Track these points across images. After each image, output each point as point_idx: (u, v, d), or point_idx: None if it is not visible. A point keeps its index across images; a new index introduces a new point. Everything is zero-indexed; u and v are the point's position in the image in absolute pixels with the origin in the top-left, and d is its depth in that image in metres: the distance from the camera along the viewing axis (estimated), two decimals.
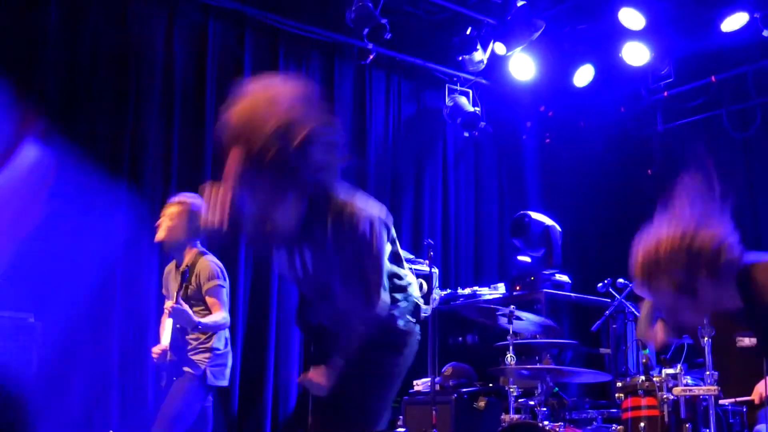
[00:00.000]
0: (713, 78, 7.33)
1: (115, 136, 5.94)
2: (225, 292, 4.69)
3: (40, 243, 5.56)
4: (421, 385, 5.50)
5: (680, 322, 2.87)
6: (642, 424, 4.11)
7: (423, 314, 3.21)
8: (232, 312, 5.91)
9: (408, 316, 3.10)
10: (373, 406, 3.10)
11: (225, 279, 4.72)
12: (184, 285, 4.55)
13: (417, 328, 3.12)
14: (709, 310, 2.73)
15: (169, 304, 4.33)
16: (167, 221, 4.69)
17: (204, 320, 4.45)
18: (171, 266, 4.79)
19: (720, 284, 2.49)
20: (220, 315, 4.55)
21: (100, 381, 5.65)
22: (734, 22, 6.57)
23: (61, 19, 5.87)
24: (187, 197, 4.77)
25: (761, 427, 4.38)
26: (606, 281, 5.18)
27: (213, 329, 4.57)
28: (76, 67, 5.91)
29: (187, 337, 4.62)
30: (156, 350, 4.68)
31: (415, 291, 3.17)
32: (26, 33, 5.73)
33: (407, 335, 3.10)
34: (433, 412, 4.97)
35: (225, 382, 4.74)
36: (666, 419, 4.00)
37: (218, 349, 4.65)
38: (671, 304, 2.58)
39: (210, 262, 4.67)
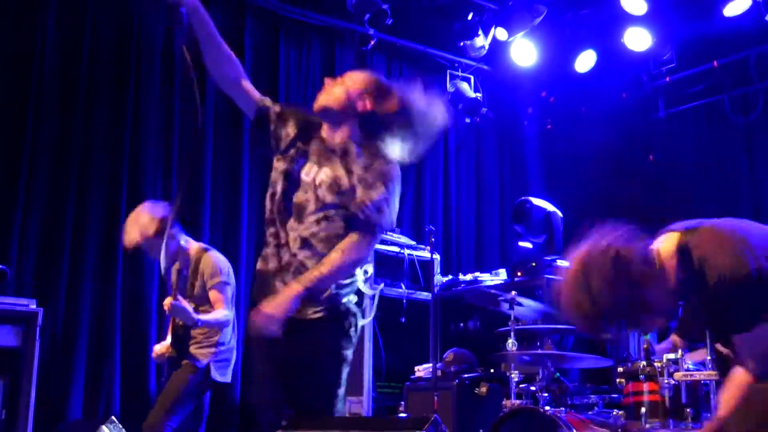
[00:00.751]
0: (715, 63, 7.30)
1: (115, 124, 5.93)
2: (230, 289, 4.66)
3: (44, 232, 5.61)
4: (422, 371, 5.51)
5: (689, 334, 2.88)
6: (643, 409, 4.10)
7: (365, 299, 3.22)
8: (236, 309, 5.93)
9: (351, 297, 3.11)
10: (328, 390, 3.08)
11: (229, 275, 4.70)
12: (185, 282, 4.56)
13: (359, 311, 3.13)
14: (666, 311, 2.70)
15: (167, 300, 4.30)
16: (147, 249, 4.64)
17: (204, 317, 4.42)
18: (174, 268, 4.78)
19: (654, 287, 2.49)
20: (221, 312, 4.53)
21: (103, 369, 5.67)
22: (736, 6, 6.54)
23: (61, 9, 5.87)
24: (140, 214, 4.66)
25: None
26: None
27: (213, 326, 4.54)
28: (75, 56, 5.90)
29: (192, 331, 4.61)
30: (157, 350, 4.68)
31: (359, 275, 3.17)
32: (26, 22, 5.73)
33: (352, 316, 3.11)
34: (435, 398, 4.98)
35: (227, 379, 4.74)
36: (667, 404, 3.99)
37: (223, 344, 4.64)
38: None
39: (213, 259, 4.65)
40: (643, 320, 2.60)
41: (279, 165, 3.21)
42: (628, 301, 2.46)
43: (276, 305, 2.89)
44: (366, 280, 3.22)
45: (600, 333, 2.71)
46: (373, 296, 3.32)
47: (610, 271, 2.46)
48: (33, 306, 5.00)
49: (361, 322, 3.17)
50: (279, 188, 3.15)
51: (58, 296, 5.57)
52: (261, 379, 3.21)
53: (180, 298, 4.32)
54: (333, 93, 3.20)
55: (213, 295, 4.56)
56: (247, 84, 3.25)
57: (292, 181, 3.17)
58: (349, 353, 3.11)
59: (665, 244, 2.61)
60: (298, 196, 3.11)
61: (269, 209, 3.17)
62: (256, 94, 3.26)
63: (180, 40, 3.30)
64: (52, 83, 5.78)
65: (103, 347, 5.69)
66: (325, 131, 3.19)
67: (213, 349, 4.57)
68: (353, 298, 3.13)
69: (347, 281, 3.12)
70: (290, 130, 3.26)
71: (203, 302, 4.55)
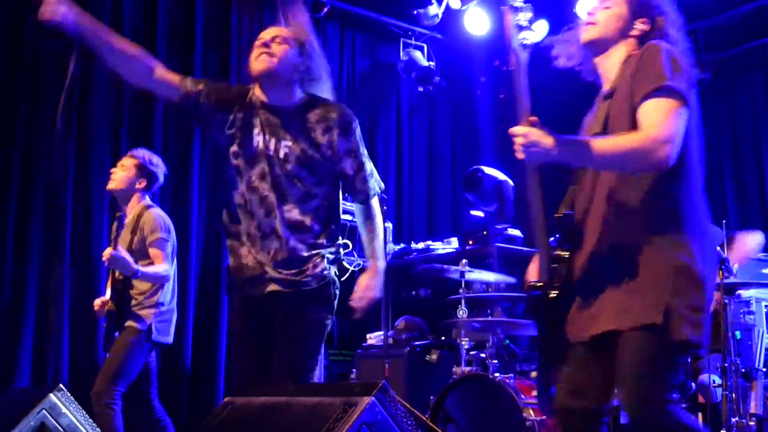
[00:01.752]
0: None
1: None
2: (169, 246, 4.66)
3: None
4: (374, 338, 5.53)
5: None
6: None
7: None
8: (185, 268, 5.89)
9: (333, 268, 3.18)
10: (312, 358, 3.14)
11: (169, 233, 4.69)
12: (128, 236, 4.54)
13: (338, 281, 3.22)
14: None
15: (107, 251, 4.28)
16: (119, 171, 4.70)
17: (143, 269, 4.41)
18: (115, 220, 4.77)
19: None
20: (162, 267, 4.53)
21: (51, 335, 5.61)
22: None
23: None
24: (141, 151, 4.77)
25: (704, 377, 4.48)
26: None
27: (153, 280, 4.53)
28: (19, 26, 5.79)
29: (131, 292, 4.58)
30: (97, 302, 4.65)
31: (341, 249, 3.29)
32: None
33: (335, 287, 3.20)
34: (386, 365, 5.01)
35: (170, 339, 4.73)
36: None
37: (163, 304, 4.62)
38: None
39: (155, 215, 4.65)
40: None
41: (233, 150, 3.16)
42: None
43: (374, 287, 3.11)
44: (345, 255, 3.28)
45: None
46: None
47: None
48: None
49: None
50: (248, 176, 3.13)
51: (5, 259, 5.49)
52: (244, 349, 3.22)
53: (120, 248, 4.30)
54: (273, 55, 3.16)
55: (152, 251, 4.56)
56: (162, 72, 3.13)
57: (250, 161, 3.15)
58: (329, 323, 3.17)
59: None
60: (268, 174, 3.09)
61: (243, 200, 3.13)
62: (175, 79, 3.14)
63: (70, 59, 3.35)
64: None
65: (51, 312, 5.62)
66: (262, 97, 3.15)
67: (154, 310, 4.55)
68: (334, 269, 3.17)
69: (333, 254, 3.15)
70: (226, 105, 3.19)
71: (142, 257, 4.52)
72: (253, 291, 3.12)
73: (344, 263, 3.24)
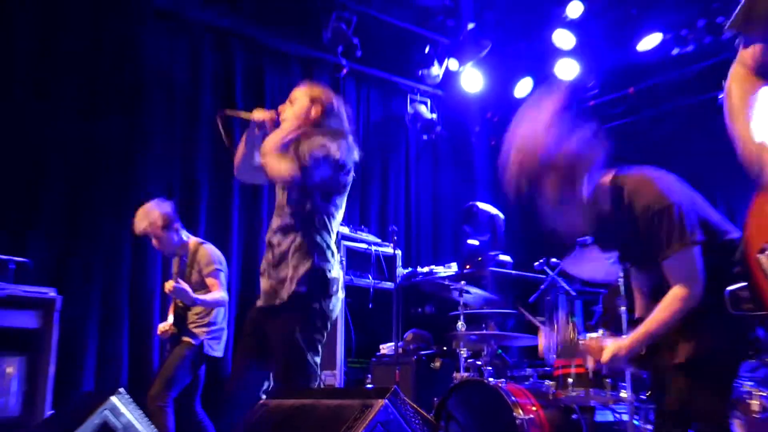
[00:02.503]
0: (631, 89, 7.39)
1: (125, 139, 5.87)
2: (223, 275, 4.69)
3: (62, 228, 5.54)
4: (386, 348, 5.51)
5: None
6: (570, 380, 4.14)
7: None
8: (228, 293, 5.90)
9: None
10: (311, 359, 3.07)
11: (221, 263, 4.73)
12: (185, 270, 4.56)
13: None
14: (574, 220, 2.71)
15: (169, 283, 4.30)
16: (154, 240, 4.68)
17: (201, 296, 4.44)
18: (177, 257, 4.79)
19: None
20: (218, 294, 4.56)
21: (113, 347, 5.61)
22: (648, 42, 6.63)
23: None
24: (153, 212, 4.71)
25: None
26: (541, 260, 5.21)
27: (210, 305, 4.55)
28: (93, 77, 5.84)
29: (189, 313, 4.61)
30: (161, 327, 4.67)
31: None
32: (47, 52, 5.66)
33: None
34: (397, 372, 5.00)
35: (219, 353, 4.73)
36: (590, 375, 4.03)
37: (215, 323, 4.64)
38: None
39: (209, 251, 4.69)
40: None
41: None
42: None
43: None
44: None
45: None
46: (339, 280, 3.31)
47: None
48: (52, 294, 4.94)
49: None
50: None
51: (74, 284, 5.50)
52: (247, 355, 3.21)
53: (180, 281, 4.33)
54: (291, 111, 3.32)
55: (209, 280, 4.59)
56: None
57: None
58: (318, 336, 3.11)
59: (605, 179, 2.70)
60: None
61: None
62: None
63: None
64: (69, 99, 5.70)
65: (113, 328, 5.63)
66: None
67: (206, 328, 4.57)
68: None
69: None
70: None
71: (199, 288, 4.55)
72: None
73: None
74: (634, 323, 2.78)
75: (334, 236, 3.29)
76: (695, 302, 2.50)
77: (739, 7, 1.86)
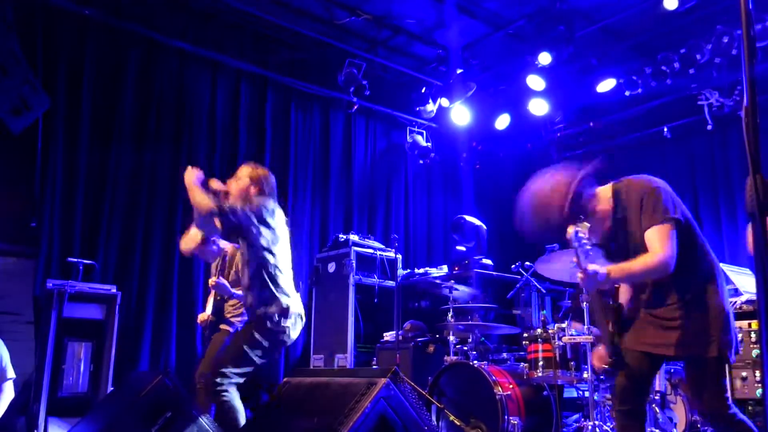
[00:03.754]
0: (591, 123, 7.40)
1: (174, 165, 5.88)
2: None
3: (122, 235, 5.54)
4: (389, 336, 5.49)
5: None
6: (541, 362, 4.12)
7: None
8: None
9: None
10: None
11: None
12: (224, 270, 4.53)
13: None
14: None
15: (212, 280, 4.29)
16: (199, 254, 4.67)
17: (237, 292, 4.41)
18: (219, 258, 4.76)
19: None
20: None
21: (163, 334, 5.60)
22: (606, 85, 6.64)
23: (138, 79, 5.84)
24: (192, 233, 4.70)
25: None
26: (517, 264, 5.20)
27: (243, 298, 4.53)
28: (147, 113, 5.87)
29: (225, 305, 4.58)
30: (201, 317, 4.65)
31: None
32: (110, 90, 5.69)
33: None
34: (397, 355, 4.97)
35: None
36: (557, 359, 4.01)
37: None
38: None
39: None
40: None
41: None
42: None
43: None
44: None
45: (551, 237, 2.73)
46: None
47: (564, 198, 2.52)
48: (113, 290, 4.95)
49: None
50: None
51: (132, 282, 5.51)
52: None
53: (221, 277, 4.32)
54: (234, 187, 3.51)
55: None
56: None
57: None
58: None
59: (604, 190, 2.69)
60: None
61: None
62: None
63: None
64: (128, 133, 5.73)
65: (164, 318, 5.62)
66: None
67: (240, 318, 4.54)
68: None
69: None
70: None
71: (235, 285, 4.52)
72: None
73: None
74: (613, 309, 2.72)
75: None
76: (667, 269, 2.43)
77: None
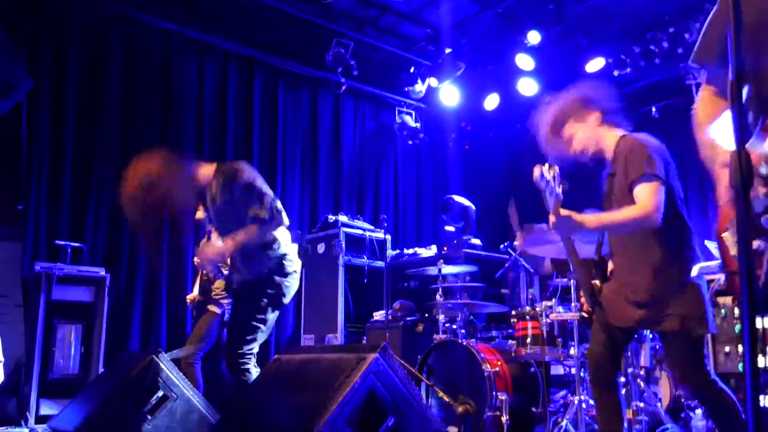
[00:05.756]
0: None
1: (164, 140, 5.87)
2: None
3: (111, 218, 5.53)
4: (378, 316, 5.52)
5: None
6: (528, 339, 4.17)
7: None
8: None
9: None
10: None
11: None
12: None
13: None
14: None
15: (196, 258, 4.29)
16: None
17: (225, 271, 4.42)
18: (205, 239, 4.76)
19: None
20: None
21: (153, 315, 5.62)
22: (594, 65, 6.65)
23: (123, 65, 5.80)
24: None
25: None
26: (506, 243, 5.23)
27: None
28: (134, 94, 5.84)
29: (212, 286, 4.60)
30: (189, 297, 4.67)
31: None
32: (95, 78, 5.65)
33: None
34: (387, 334, 5.01)
35: None
36: (545, 336, 4.07)
37: None
38: None
39: None
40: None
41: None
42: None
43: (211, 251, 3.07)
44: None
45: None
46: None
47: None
48: (102, 272, 4.97)
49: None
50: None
51: (121, 264, 5.51)
52: None
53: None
54: None
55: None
56: None
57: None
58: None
59: (608, 137, 2.71)
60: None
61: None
62: None
63: None
64: (115, 115, 5.70)
65: (153, 300, 5.64)
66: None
67: (228, 300, 4.56)
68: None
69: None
70: None
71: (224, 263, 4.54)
72: None
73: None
74: (594, 263, 2.76)
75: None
76: (649, 224, 2.44)
77: (697, 43, 1.88)
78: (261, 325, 3.09)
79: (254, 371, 3.10)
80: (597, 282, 2.70)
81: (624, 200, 2.54)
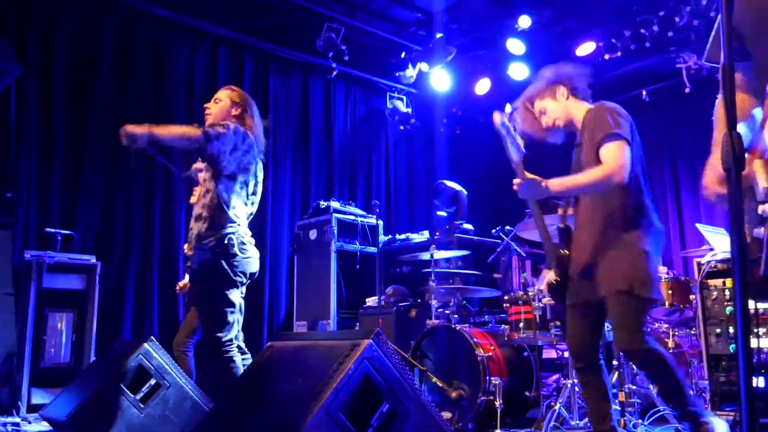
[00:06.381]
0: None
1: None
2: None
3: (103, 205, 5.48)
4: (371, 301, 5.52)
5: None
6: (521, 324, 4.18)
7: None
8: None
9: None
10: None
11: None
12: None
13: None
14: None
15: (187, 245, 4.25)
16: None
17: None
18: None
19: None
20: None
21: (145, 303, 5.59)
22: (585, 49, 6.62)
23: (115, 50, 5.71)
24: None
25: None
26: (498, 228, 5.23)
27: None
28: (125, 79, 5.76)
29: None
30: (179, 284, 4.63)
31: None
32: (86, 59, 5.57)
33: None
34: (380, 320, 5.01)
35: None
36: (537, 320, 4.07)
37: None
38: None
39: None
40: None
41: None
42: None
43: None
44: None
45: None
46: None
47: None
48: (93, 260, 4.92)
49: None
50: None
51: (113, 252, 5.47)
52: None
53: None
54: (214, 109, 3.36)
55: None
56: None
57: None
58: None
59: (579, 107, 2.81)
60: None
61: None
62: None
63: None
64: (105, 101, 5.63)
65: (145, 287, 5.60)
66: None
67: None
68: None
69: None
70: None
71: None
72: None
73: None
74: (561, 229, 2.79)
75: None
76: (616, 181, 2.47)
77: (710, 40, 1.86)
78: (228, 309, 3.04)
79: (239, 358, 3.07)
80: (565, 251, 2.71)
81: (592, 164, 2.57)
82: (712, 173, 1.66)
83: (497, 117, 2.54)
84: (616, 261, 2.52)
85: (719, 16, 1.78)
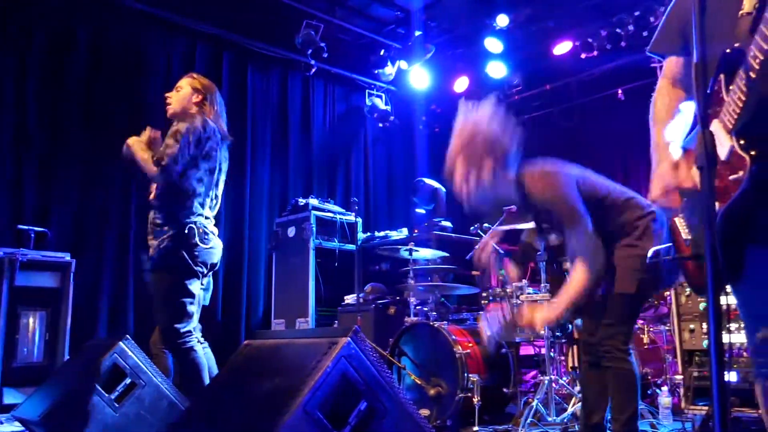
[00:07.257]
0: (547, 86, 7.43)
1: (130, 129, 5.70)
2: None
3: (78, 201, 5.39)
4: (350, 299, 5.50)
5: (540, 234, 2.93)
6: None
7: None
8: None
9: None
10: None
11: None
12: None
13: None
14: None
15: None
16: None
17: None
18: None
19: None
20: None
21: (120, 302, 5.51)
22: (562, 48, 6.67)
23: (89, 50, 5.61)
24: None
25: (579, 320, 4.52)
26: (476, 225, 5.23)
27: None
28: (101, 75, 5.67)
29: None
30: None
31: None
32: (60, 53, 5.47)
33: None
34: (359, 318, 5.00)
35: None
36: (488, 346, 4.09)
37: None
38: None
39: None
40: None
41: None
42: None
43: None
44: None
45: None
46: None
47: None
48: (67, 258, 4.83)
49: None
50: None
51: (88, 250, 5.38)
52: None
53: None
54: (174, 98, 3.29)
55: None
56: None
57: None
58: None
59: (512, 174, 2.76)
60: None
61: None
62: None
63: None
64: (83, 91, 5.53)
65: (120, 285, 5.52)
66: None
67: None
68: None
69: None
70: None
71: None
72: None
73: None
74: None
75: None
76: (599, 267, 2.53)
77: (656, 34, 1.86)
78: (187, 300, 3.01)
79: (199, 348, 3.05)
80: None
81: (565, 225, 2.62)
82: (660, 184, 1.66)
83: (482, 323, 2.64)
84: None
85: (668, 8, 1.80)
